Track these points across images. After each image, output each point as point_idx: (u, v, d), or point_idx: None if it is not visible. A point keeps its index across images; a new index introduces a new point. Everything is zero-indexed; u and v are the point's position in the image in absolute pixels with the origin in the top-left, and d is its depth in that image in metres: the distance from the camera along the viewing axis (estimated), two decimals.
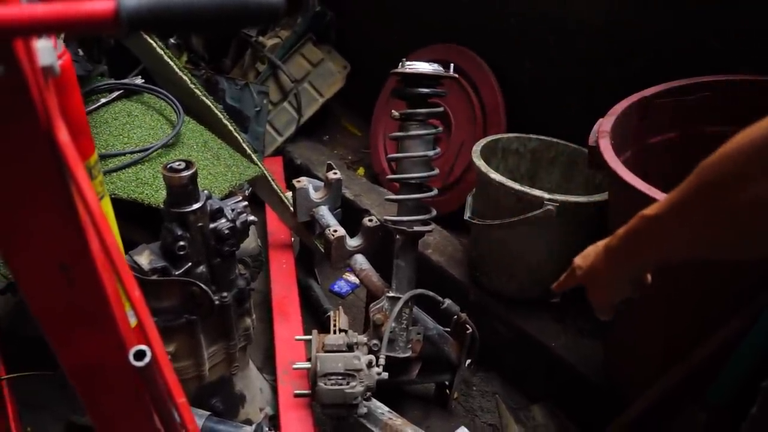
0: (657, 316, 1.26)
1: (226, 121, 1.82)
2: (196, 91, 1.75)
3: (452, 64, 1.45)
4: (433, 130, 1.46)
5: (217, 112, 1.80)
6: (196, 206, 1.20)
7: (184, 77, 1.72)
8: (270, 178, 1.90)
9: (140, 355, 0.76)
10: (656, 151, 1.43)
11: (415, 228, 1.49)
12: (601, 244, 0.90)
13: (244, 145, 1.84)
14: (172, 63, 1.70)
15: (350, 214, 2.08)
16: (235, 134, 1.83)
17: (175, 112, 1.66)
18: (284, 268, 1.95)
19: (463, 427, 1.68)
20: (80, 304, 0.66)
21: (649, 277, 0.91)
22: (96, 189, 0.81)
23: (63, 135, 0.53)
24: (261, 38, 2.63)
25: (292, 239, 2.10)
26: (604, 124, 1.26)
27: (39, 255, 0.59)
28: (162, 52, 1.68)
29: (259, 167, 1.82)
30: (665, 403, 1.21)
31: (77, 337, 0.71)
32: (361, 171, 2.52)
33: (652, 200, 1.03)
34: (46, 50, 0.49)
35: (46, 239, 0.58)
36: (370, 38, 2.64)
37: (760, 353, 1.01)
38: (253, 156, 1.85)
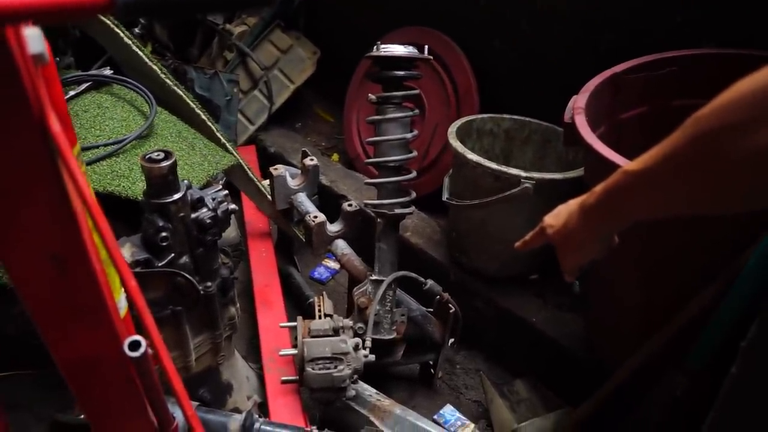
0: (634, 285, 1.30)
1: (198, 111, 1.80)
2: (167, 81, 1.72)
3: (426, 47, 1.45)
4: (410, 113, 1.47)
5: (189, 101, 1.78)
6: (176, 196, 1.18)
7: (154, 67, 1.70)
8: (246, 167, 1.89)
9: (135, 345, 0.76)
10: (628, 125, 1.46)
11: (396, 210, 1.50)
12: (574, 202, 0.89)
13: (218, 135, 1.82)
14: (140, 53, 1.67)
15: (327, 201, 2.08)
16: (209, 124, 1.81)
17: (147, 102, 1.63)
18: (264, 256, 1.95)
19: (448, 404, 1.71)
20: (73, 295, 0.65)
21: (616, 238, 0.93)
22: None
23: (55, 124, 0.52)
24: (228, 26, 2.59)
25: (271, 228, 2.09)
26: (579, 101, 1.28)
27: (31, 245, 0.59)
28: (130, 42, 1.64)
29: (235, 156, 1.81)
30: (646, 371, 1.25)
31: (71, 329, 0.71)
32: (335, 157, 2.52)
33: None
34: (36, 38, 0.48)
35: (38, 229, 0.57)
36: (340, 23, 2.62)
37: (737, 316, 1.05)
38: (228, 145, 1.84)
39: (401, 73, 1.41)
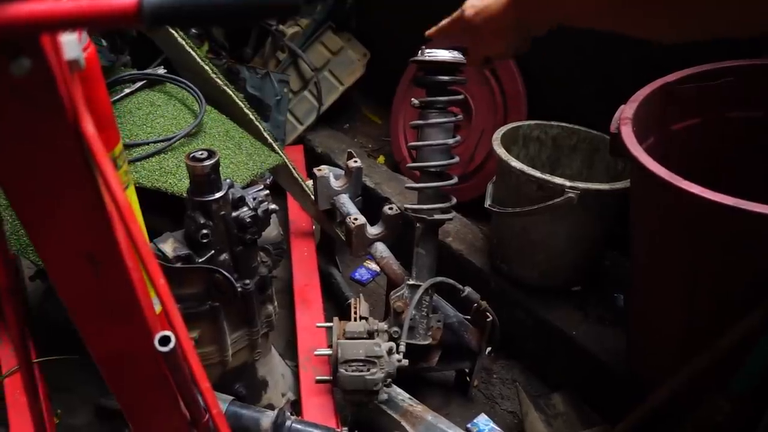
0: (678, 304, 1.25)
1: (246, 110, 1.83)
2: (218, 80, 1.76)
3: None
4: (453, 118, 1.45)
5: (238, 101, 1.81)
6: (218, 195, 1.21)
7: (206, 67, 1.74)
8: (291, 167, 1.91)
9: (165, 340, 0.78)
10: (679, 137, 1.41)
11: (435, 216, 1.49)
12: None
13: (265, 134, 1.85)
14: (193, 53, 1.72)
15: (371, 203, 2.09)
16: (256, 123, 1.84)
17: (197, 101, 1.68)
18: (306, 256, 1.97)
19: (483, 414, 1.69)
20: (107, 293, 0.67)
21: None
22: (121, 179, 0.83)
23: (89, 127, 0.54)
24: (281, 27, 2.63)
25: (314, 227, 2.11)
26: (626, 111, 1.24)
27: (66, 245, 0.61)
28: (183, 42, 1.69)
29: (281, 156, 1.83)
30: (688, 393, 1.21)
31: (104, 325, 0.73)
32: (381, 159, 2.53)
33: (674, 187, 1.02)
34: (72, 44, 0.50)
35: (73, 230, 0.59)
36: (390, 25, 2.62)
37: None
38: (274, 145, 1.87)
39: (445, 78, 1.40)
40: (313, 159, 2.49)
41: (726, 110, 1.40)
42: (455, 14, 0.95)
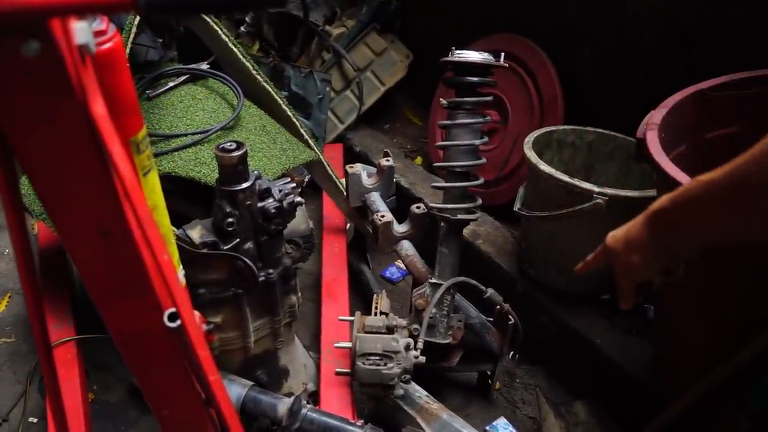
0: (701, 316, 1.22)
1: (285, 107, 1.88)
2: (258, 76, 1.82)
3: (503, 53, 1.44)
4: (481, 119, 1.46)
5: (277, 97, 1.86)
6: (245, 185, 1.26)
7: (247, 63, 1.80)
8: (326, 164, 1.95)
9: (174, 316, 0.82)
10: (714, 146, 1.38)
11: (459, 216, 1.50)
12: (638, 216, 0.84)
13: (302, 131, 1.90)
14: (235, 49, 1.78)
15: (405, 203, 2.10)
16: (294, 119, 1.89)
17: (236, 96, 1.73)
18: (336, 251, 2.01)
19: (503, 417, 1.68)
20: (118, 266, 0.72)
21: (682, 266, 0.87)
22: (143, 163, 0.88)
23: (99, 108, 0.58)
24: (328, 27, 2.69)
25: (347, 225, 2.15)
26: (655, 116, 1.22)
27: (79, 218, 0.65)
28: (226, 39, 1.75)
29: (315, 152, 1.87)
30: (705, 406, 1.18)
31: (118, 301, 0.77)
32: (418, 160, 2.54)
33: None
34: (82, 30, 0.54)
35: (84, 203, 0.64)
36: (433, 27, 2.64)
37: None
38: (310, 141, 1.91)
39: (473, 79, 1.41)
40: (352, 158, 2.53)
41: (763, 120, 1.35)
42: (599, 248, 0.94)
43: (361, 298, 2.01)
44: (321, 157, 1.92)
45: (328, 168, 1.95)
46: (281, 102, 1.88)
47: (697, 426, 1.23)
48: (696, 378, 1.20)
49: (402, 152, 2.56)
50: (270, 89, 1.85)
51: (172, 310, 0.80)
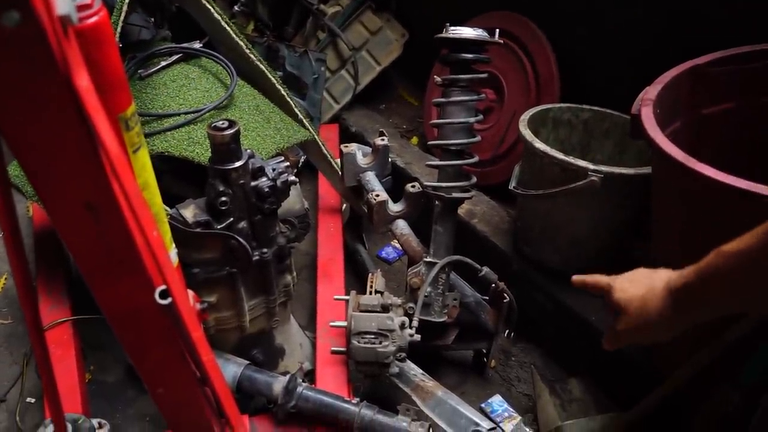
0: None
1: (279, 86, 1.87)
2: (252, 56, 1.80)
3: (498, 30, 1.43)
4: (475, 97, 1.45)
5: (270, 77, 1.85)
6: (238, 164, 1.25)
7: (240, 42, 1.78)
8: (320, 144, 1.94)
9: (165, 294, 0.82)
10: (711, 122, 1.37)
11: (454, 194, 1.50)
12: (659, 278, 0.77)
13: (296, 110, 1.88)
14: (228, 28, 1.76)
15: (401, 182, 2.09)
16: (288, 99, 1.88)
17: (230, 75, 1.72)
18: (331, 231, 2.00)
19: (498, 395, 1.69)
20: (108, 242, 0.71)
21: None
22: (132, 140, 0.86)
23: (82, 81, 0.57)
24: (322, 6, 2.66)
25: (343, 206, 2.14)
26: (650, 92, 1.21)
27: (66, 194, 0.65)
28: (219, 17, 1.73)
29: (309, 132, 1.86)
30: (697, 382, 1.18)
31: (109, 277, 0.77)
32: (414, 140, 2.53)
33: (688, 169, 1.00)
34: (63, 0, 0.53)
35: (71, 178, 0.63)
36: (429, 5, 2.61)
37: None
38: (305, 121, 1.90)
39: (468, 56, 1.40)
40: (348, 138, 2.51)
41: (762, 95, 1.35)
42: (603, 282, 0.86)
43: (357, 278, 2.01)
44: (316, 136, 1.91)
45: (323, 148, 1.94)
46: (275, 81, 1.86)
47: (690, 402, 1.24)
48: (689, 354, 1.20)
49: (398, 132, 2.55)
50: (264, 68, 1.83)
51: (163, 287, 0.80)
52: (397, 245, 2.23)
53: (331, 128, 2.57)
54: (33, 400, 1.68)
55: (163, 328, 0.87)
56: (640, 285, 0.79)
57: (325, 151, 1.95)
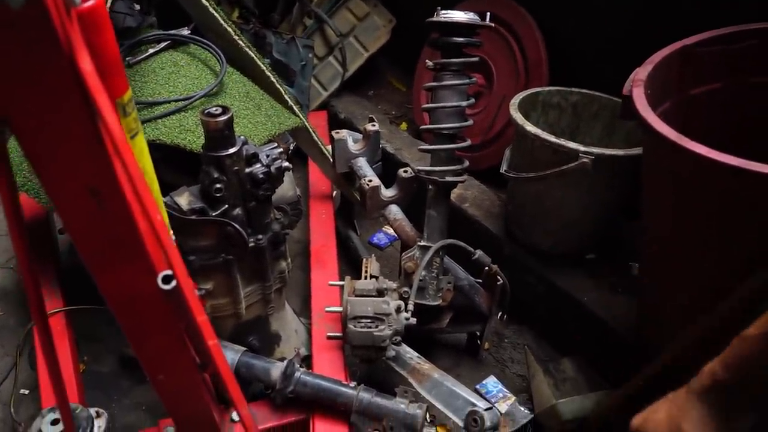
0: (687, 269, 1.24)
1: (268, 73, 1.86)
2: (240, 42, 1.79)
3: (489, 14, 1.43)
4: (467, 81, 1.45)
5: (260, 63, 1.84)
6: (232, 150, 1.25)
7: (229, 29, 1.76)
8: (311, 130, 1.94)
9: (168, 279, 0.82)
10: (699, 102, 1.38)
11: (447, 178, 1.51)
12: (680, 395, 0.72)
13: (286, 97, 1.88)
14: (216, 14, 1.74)
15: (391, 168, 2.10)
16: (277, 86, 1.87)
17: (219, 62, 1.71)
18: (323, 218, 2.00)
19: (492, 376, 1.71)
20: (110, 227, 0.71)
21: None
22: (130, 125, 0.86)
23: (86, 64, 0.57)
24: None
25: (334, 193, 2.14)
26: (640, 73, 1.23)
27: (70, 178, 0.64)
28: (207, 3, 1.72)
29: (300, 118, 1.86)
30: (690, 359, 1.20)
31: (110, 261, 0.77)
32: (403, 126, 2.53)
33: (680, 148, 1.01)
34: None
35: (74, 162, 0.63)
36: None
37: None
38: (295, 108, 1.89)
39: (460, 39, 1.40)
40: (337, 124, 2.51)
41: (749, 75, 1.37)
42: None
43: (349, 265, 2.02)
44: (306, 123, 1.90)
45: (313, 134, 1.94)
46: (265, 68, 1.85)
47: (681, 379, 1.26)
48: (678, 331, 1.22)
49: (387, 118, 2.55)
50: (253, 55, 1.82)
51: (168, 272, 0.80)
52: (389, 231, 2.24)
53: (319, 115, 2.56)
54: (27, 392, 1.67)
55: (163, 314, 0.87)
56: (660, 412, 0.72)
57: (316, 138, 1.95)
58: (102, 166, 0.64)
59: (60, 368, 0.92)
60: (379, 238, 2.22)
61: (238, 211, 1.31)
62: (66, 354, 1.54)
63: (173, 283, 0.81)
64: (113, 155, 0.63)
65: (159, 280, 0.80)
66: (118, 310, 0.85)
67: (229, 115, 1.22)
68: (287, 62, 2.53)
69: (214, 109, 1.23)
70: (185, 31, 1.78)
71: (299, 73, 2.53)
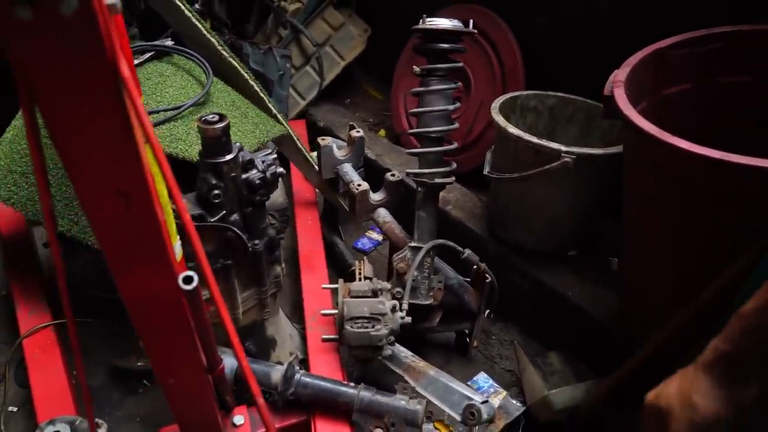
0: (668, 261, 1.31)
1: (252, 82, 1.88)
2: (224, 52, 1.81)
3: (472, 21, 1.49)
4: (453, 85, 1.51)
5: (243, 73, 1.86)
6: (229, 157, 1.27)
7: (212, 39, 1.78)
8: (295, 138, 1.96)
9: (188, 279, 0.84)
10: (671, 102, 1.46)
11: (437, 180, 1.55)
12: (688, 370, 0.74)
13: (270, 105, 1.90)
14: (199, 25, 1.76)
15: (373, 173, 2.14)
16: (261, 95, 1.89)
17: (204, 72, 1.72)
18: (310, 224, 2.03)
19: (482, 372, 1.76)
20: (136, 228, 0.73)
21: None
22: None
23: (125, 69, 0.59)
24: (283, 3, 2.67)
25: (317, 199, 2.17)
26: (619, 75, 1.29)
27: (100, 180, 0.66)
28: (190, 15, 1.73)
29: (285, 126, 1.88)
30: (674, 348, 1.27)
31: (133, 260, 0.79)
32: (382, 133, 2.58)
33: (664, 143, 1.08)
34: None
35: (107, 165, 0.65)
36: (390, 1, 2.66)
37: None
38: (279, 116, 1.92)
39: (446, 45, 1.45)
40: (316, 133, 2.54)
41: (716, 76, 1.45)
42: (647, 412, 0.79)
43: (336, 270, 2.04)
44: (290, 131, 1.93)
45: (297, 142, 1.96)
46: (248, 77, 1.87)
47: (666, 367, 1.32)
48: (661, 321, 1.29)
49: (365, 126, 2.59)
50: (236, 65, 1.84)
51: (188, 273, 0.82)
52: (372, 236, 2.27)
53: (298, 124, 2.58)
54: (15, 409, 1.64)
55: (179, 315, 0.89)
56: (669, 387, 0.74)
57: (300, 146, 1.98)
58: (134, 170, 0.66)
59: (84, 378, 0.92)
60: (363, 242, 2.25)
61: (235, 216, 1.32)
62: (59, 367, 1.53)
63: (194, 283, 0.84)
64: (145, 160, 0.65)
65: (180, 281, 0.83)
66: (136, 311, 0.87)
67: (226, 122, 1.24)
68: (264, 72, 2.55)
69: (211, 116, 1.24)
70: (169, 42, 1.79)
71: (277, 82, 2.55)
